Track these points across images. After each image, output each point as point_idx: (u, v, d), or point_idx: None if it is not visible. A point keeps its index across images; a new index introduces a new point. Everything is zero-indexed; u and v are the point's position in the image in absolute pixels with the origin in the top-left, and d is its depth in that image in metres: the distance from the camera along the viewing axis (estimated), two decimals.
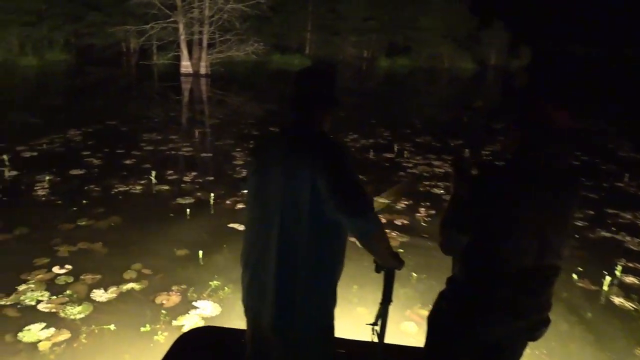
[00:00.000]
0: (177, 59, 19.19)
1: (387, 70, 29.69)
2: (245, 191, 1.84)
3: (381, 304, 1.95)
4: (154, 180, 6.17)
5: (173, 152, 7.81)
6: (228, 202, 5.62)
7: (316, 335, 1.71)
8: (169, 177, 6.42)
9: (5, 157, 6.85)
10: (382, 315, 1.97)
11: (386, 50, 33.29)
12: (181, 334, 2.56)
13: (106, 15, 24.20)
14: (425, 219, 5.36)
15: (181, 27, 18.00)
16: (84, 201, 5.46)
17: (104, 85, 16.59)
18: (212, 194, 5.70)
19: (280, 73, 23.90)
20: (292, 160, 1.60)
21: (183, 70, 18.96)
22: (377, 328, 2.00)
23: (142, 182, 6.18)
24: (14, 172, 6.38)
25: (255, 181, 1.72)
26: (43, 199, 5.55)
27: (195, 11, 17.97)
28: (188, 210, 5.27)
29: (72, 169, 6.59)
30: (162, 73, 20.53)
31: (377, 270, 1.86)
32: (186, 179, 6.41)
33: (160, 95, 15.68)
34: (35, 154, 7.38)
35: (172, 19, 17.95)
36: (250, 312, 1.79)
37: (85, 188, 5.89)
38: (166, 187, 6.04)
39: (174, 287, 3.77)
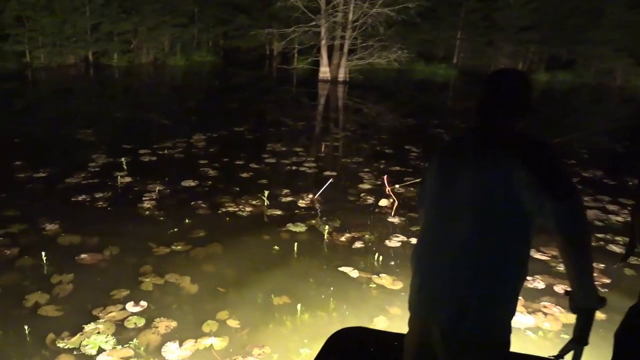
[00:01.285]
0: (317, 64, 19.08)
1: (545, 85, 26.83)
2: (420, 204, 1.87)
3: (573, 341, 1.66)
4: (266, 202, 5.56)
5: (294, 168, 7.21)
6: (343, 238, 4.78)
7: (490, 347, 1.63)
8: (284, 199, 5.77)
9: (123, 160, 6.80)
10: (574, 357, 1.68)
11: (546, 63, 30.21)
12: (332, 333, 2.44)
13: (252, 19, 25.20)
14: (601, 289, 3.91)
15: (323, 31, 17.79)
16: (187, 220, 5.00)
17: (242, 88, 16.98)
18: (326, 227, 4.91)
19: (424, 83, 22.95)
20: (486, 158, 1.60)
21: (321, 75, 18.76)
22: None
23: (254, 202, 5.61)
24: (128, 179, 6.23)
25: (436, 186, 1.73)
26: (147, 212, 5.22)
27: (339, 15, 17.62)
28: (296, 244, 4.53)
29: (185, 179, 6.27)
30: (300, 78, 20.63)
31: (573, 310, 1.62)
32: (302, 203, 5.70)
33: (295, 101, 15.55)
34: (154, 159, 7.29)
35: (314, 23, 17.81)
36: (417, 317, 1.77)
37: (192, 203, 5.48)
38: (278, 212, 5.39)
39: (256, 351, 3.02)
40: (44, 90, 15.64)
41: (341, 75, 18.43)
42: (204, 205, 5.47)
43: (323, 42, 17.99)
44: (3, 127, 9.21)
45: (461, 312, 1.57)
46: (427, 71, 27.00)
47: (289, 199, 5.80)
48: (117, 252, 4.27)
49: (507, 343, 1.65)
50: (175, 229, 4.78)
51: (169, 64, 21.49)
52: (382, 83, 20.31)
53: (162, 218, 5.09)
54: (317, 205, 5.64)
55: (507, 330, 1.63)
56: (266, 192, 5.69)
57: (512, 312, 1.63)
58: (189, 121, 10.40)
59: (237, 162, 7.22)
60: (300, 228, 4.96)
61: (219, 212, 5.32)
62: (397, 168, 7.30)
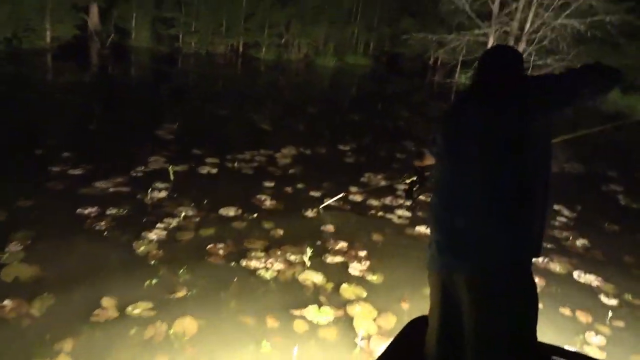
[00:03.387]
0: None
1: None
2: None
3: None
4: (307, 262, 4.05)
5: (380, 214, 5.50)
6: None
7: (515, 284, 1.74)
8: (333, 260, 4.17)
9: (171, 170, 5.77)
10: None
11: None
12: (409, 320, 2.31)
13: (420, 23, 23.55)
14: None
15: (490, 41, 15.53)
16: (182, 270, 3.69)
17: (385, 98, 15.50)
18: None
19: (615, 118, 19.05)
20: (496, 103, 1.76)
21: None
22: None
23: (293, 258, 4.11)
24: (161, 194, 5.19)
25: (447, 143, 1.90)
26: (140, 250, 4.02)
27: (514, 24, 15.20)
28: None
29: (228, 205, 5.02)
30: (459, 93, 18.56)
31: None
32: (354, 269, 4.05)
33: (431, 121, 13.57)
34: (214, 171, 6.19)
35: (481, 31, 15.63)
36: (440, 271, 1.87)
37: (209, 247, 4.17)
38: (322, 281, 3.81)
39: None
40: (185, 76, 15.88)
41: None
42: (221, 251, 4.12)
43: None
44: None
45: (491, 256, 1.72)
46: (622, 103, 22.70)
47: (339, 259, 4.19)
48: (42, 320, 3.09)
49: (530, 277, 1.78)
50: (154, 283, 3.51)
51: (317, 63, 20.87)
52: None
53: (152, 263, 3.84)
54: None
55: (528, 265, 1.78)
56: (309, 250, 4.16)
57: (537, 250, 1.79)
58: (290, 130, 9.20)
59: (310, 194, 5.75)
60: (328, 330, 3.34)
61: (236, 266, 3.92)
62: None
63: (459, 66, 19.35)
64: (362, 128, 10.04)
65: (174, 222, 4.56)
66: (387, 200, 5.83)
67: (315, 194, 5.76)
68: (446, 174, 1.89)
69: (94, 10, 18.17)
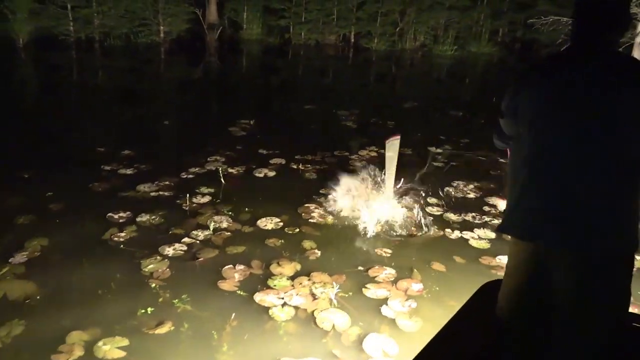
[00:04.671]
0: None
1: None
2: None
3: None
4: (333, 299, 3.38)
5: (454, 237, 4.62)
6: None
7: (621, 262, 1.77)
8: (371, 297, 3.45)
9: (221, 171, 5.36)
10: None
11: None
12: (481, 285, 2.37)
13: (558, 5, 21.19)
14: None
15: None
16: (216, 334, 3.23)
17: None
18: None
19: None
20: (607, 85, 1.67)
21: None
22: None
23: (320, 293, 3.47)
24: (204, 200, 4.83)
25: (549, 108, 1.75)
26: (146, 272, 3.62)
27: None
28: None
29: (274, 215, 4.51)
30: None
31: None
32: (409, 325, 3.29)
33: None
34: (272, 174, 5.70)
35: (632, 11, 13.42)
36: (536, 242, 1.81)
37: (226, 267, 3.66)
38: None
39: None
40: (290, 68, 15.72)
41: None
42: (239, 276, 3.58)
43: (638, 40, 13.43)
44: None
45: (610, 241, 1.71)
46: None
47: (379, 294, 3.44)
48: None
49: (632, 259, 1.81)
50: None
51: (434, 52, 19.59)
52: None
53: (153, 286, 3.41)
54: None
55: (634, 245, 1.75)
56: (336, 284, 3.47)
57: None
58: (378, 128, 8.40)
59: None
60: None
61: (248, 298, 3.36)
62: None
63: None
64: (464, 126, 8.95)
65: (201, 235, 4.13)
66: (470, 216, 4.92)
67: None
68: (552, 146, 1.75)
69: (213, 4, 18.74)
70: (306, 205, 4.85)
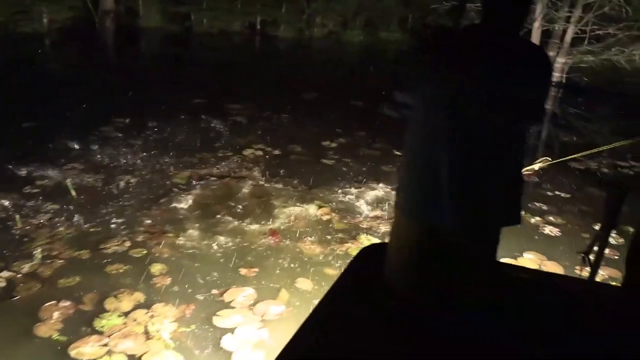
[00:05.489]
0: None
1: None
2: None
3: (600, 228, 2.23)
4: (166, 335, 2.90)
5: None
6: None
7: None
8: None
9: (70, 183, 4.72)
10: (599, 243, 2.24)
11: None
12: (361, 249, 2.47)
13: None
14: None
15: (538, 9, 13.58)
16: None
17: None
18: None
19: None
20: (502, 63, 1.70)
21: None
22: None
23: (154, 330, 2.97)
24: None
25: (440, 87, 1.78)
26: None
27: None
28: None
29: (125, 239, 3.91)
30: None
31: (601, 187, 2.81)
32: None
33: None
34: (132, 181, 5.09)
35: None
36: (427, 221, 1.87)
37: None
38: None
39: None
40: (184, 58, 14.89)
41: (556, 73, 14.02)
42: (59, 315, 3.02)
43: (536, 24, 13.75)
44: None
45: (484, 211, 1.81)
46: None
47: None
48: None
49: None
50: None
51: (343, 39, 19.36)
52: (617, 91, 14.85)
53: None
54: None
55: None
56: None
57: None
58: (270, 122, 7.92)
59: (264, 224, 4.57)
60: None
61: (61, 351, 2.81)
62: None
63: None
64: (362, 117, 8.64)
65: (26, 266, 3.50)
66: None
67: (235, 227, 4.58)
68: (447, 124, 1.77)
69: None
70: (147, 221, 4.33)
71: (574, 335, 2.02)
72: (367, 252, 2.39)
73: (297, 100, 9.40)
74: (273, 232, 4.31)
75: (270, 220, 4.52)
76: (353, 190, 5.35)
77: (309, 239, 4.27)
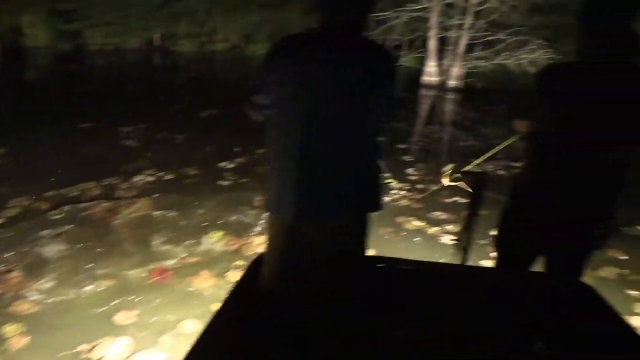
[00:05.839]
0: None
1: None
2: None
3: (467, 216, 2.43)
4: None
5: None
6: None
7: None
8: None
9: None
10: (467, 230, 2.45)
11: None
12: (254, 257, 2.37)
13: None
14: None
15: (434, 17, 14.07)
16: None
17: None
18: None
19: None
20: (343, 58, 1.80)
21: (425, 78, 15.05)
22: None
23: None
24: None
25: (288, 85, 1.85)
26: None
27: None
28: None
29: None
30: (405, 78, 17.19)
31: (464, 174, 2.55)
32: None
33: None
34: None
35: (423, 6, 14.15)
36: (289, 218, 1.90)
37: None
38: None
39: None
40: (73, 79, 14.02)
41: (453, 80, 14.52)
42: None
43: (432, 32, 14.26)
44: None
45: (346, 202, 1.89)
46: None
47: None
48: None
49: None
50: None
51: (247, 52, 19.14)
52: (512, 95, 15.68)
53: None
54: None
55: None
56: None
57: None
58: (163, 144, 7.53)
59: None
60: None
61: None
62: None
63: (404, 47, 17.89)
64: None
65: None
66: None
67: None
68: (294, 120, 1.86)
69: None
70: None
71: (447, 317, 2.17)
72: (254, 264, 2.39)
73: (195, 119, 9.03)
74: (159, 269, 3.94)
75: (156, 255, 4.15)
76: (252, 212, 5.08)
77: (203, 272, 3.95)
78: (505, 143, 2.98)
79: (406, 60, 16.02)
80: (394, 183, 5.06)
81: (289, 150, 1.86)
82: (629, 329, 2.33)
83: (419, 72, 15.79)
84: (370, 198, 1.96)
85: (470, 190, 2.62)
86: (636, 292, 4.19)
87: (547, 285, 2.37)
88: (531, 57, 13.38)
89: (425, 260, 2.74)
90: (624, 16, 1.96)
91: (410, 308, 2.19)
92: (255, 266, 2.29)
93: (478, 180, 2.49)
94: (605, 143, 1.98)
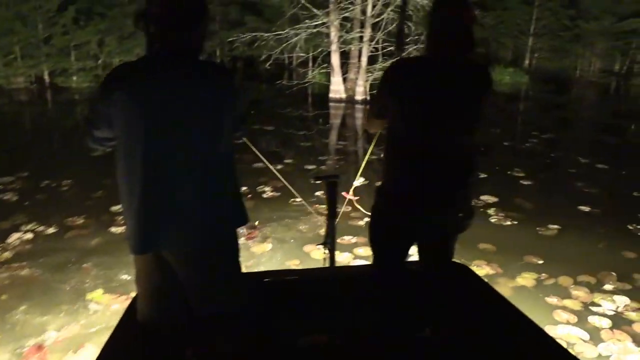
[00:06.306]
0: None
1: None
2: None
3: (327, 219, 2.50)
4: None
5: None
6: None
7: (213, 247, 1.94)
8: None
9: None
10: (329, 233, 2.52)
11: None
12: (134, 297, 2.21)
13: (266, 20, 21.83)
14: None
15: (333, 32, 14.06)
16: None
17: None
18: None
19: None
20: (193, 82, 1.77)
21: (332, 93, 14.99)
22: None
23: None
24: None
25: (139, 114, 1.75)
26: None
27: (356, 8, 13.82)
28: None
29: None
30: (316, 95, 17.15)
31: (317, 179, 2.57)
32: None
33: (282, 136, 11.74)
34: None
35: (320, 21, 14.12)
36: (153, 249, 1.88)
37: None
38: None
39: None
40: None
41: (359, 93, 14.56)
42: None
43: (333, 47, 14.24)
44: None
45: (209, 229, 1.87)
46: None
47: None
48: None
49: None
50: None
51: None
52: None
53: None
54: None
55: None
56: None
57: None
58: (49, 195, 6.83)
59: None
60: None
61: None
62: None
63: (310, 64, 17.84)
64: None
65: None
66: None
67: None
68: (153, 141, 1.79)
69: None
70: None
71: (339, 319, 2.29)
72: (131, 304, 2.35)
73: (84, 160, 8.32)
74: (33, 349, 3.39)
75: (31, 332, 3.59)
76: None
77: (88, 344, 3.44)
78: (371, 147, 2.97)
79: (312, 76, 15.92)
80: (311, 209, 4.76)
81: (136, 179, 1.79)
82: (506, 302, 2.60)
83: (327, 87, 15.74)
84: (229, 214, 1.95)
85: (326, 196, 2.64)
86: (554, 299, 4.11)
87: (425, 271, 2.45)
88: None
89: (305, 268, 2.88)
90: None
91: (303, 316, 2.28)
92: (132, 306, 2.24)
93: (330, 184, 2.52)
94: (448, 132, 2.11)
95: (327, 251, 2.53)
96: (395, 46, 12.92)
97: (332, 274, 2.61)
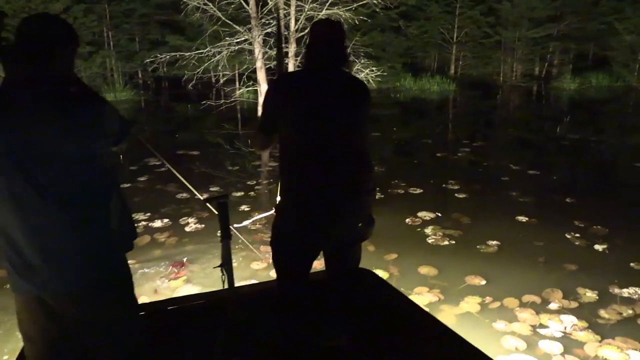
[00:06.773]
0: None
1: (575, 93, 22.78)
2: None
3: (221, 241, 2.48)
4: None
5: None
6: None
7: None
8: None
9: None
10: (225, 255, 2.50)
11: (571, 64, 26.22)
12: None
13: (189, 39, 21.19)
14: None
15: (257, 48, 13.69)
16: None
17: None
18: None
19: (414, 103, 19.15)
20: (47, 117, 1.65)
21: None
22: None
23: None
24: None
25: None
26: None
27: (280, 24, 13.54)
28: None
29: None
30: (245, 112, 16.74)
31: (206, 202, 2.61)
32: None
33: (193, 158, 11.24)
34: None
35: (243, 38, 13.74)
36: (33, 293, 1.80)
37: None
38: None
39: None
40: None
41: None
42: None
43: (259, 64, 13.86)
44: None
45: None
46: (417, 88, 23.00)
47: None
48: None
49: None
50: None
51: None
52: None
53: None
54: None
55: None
56: None
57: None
58: None
59: None
60: None
61: None
62: None
63: (237, 82, 17.38)
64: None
65: None
66: None
67: None
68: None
69: None
70: None
71: (248, 342, 2.35)
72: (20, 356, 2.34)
73: None
74: None
75: None
76: None
77: None
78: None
79: (239, 94, 15.47)
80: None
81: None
82: (411, 302, 2.83)
83: (256, 104, 15.35)
84: (112, 244, 1.86)
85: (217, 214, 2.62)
86: (501, 325, 3.90)
87: (331, 280, 2.47)
88: (362, 75, 13.47)
89: (202, 292, 2.88)
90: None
91: (207, 343, 2.30)
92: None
93: (220, 205, 2.53)
94: (336, 137, 2.19)
95: (224, 273, 2.52)
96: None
97: (233, 294, 2.59)
